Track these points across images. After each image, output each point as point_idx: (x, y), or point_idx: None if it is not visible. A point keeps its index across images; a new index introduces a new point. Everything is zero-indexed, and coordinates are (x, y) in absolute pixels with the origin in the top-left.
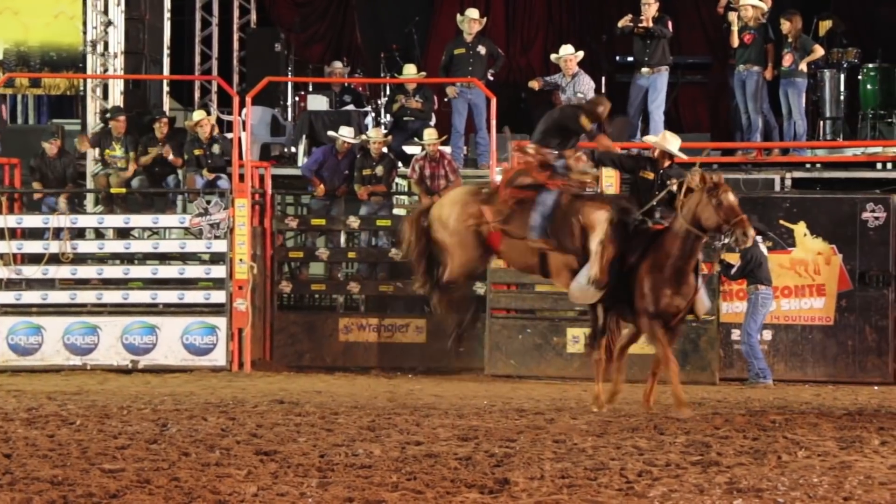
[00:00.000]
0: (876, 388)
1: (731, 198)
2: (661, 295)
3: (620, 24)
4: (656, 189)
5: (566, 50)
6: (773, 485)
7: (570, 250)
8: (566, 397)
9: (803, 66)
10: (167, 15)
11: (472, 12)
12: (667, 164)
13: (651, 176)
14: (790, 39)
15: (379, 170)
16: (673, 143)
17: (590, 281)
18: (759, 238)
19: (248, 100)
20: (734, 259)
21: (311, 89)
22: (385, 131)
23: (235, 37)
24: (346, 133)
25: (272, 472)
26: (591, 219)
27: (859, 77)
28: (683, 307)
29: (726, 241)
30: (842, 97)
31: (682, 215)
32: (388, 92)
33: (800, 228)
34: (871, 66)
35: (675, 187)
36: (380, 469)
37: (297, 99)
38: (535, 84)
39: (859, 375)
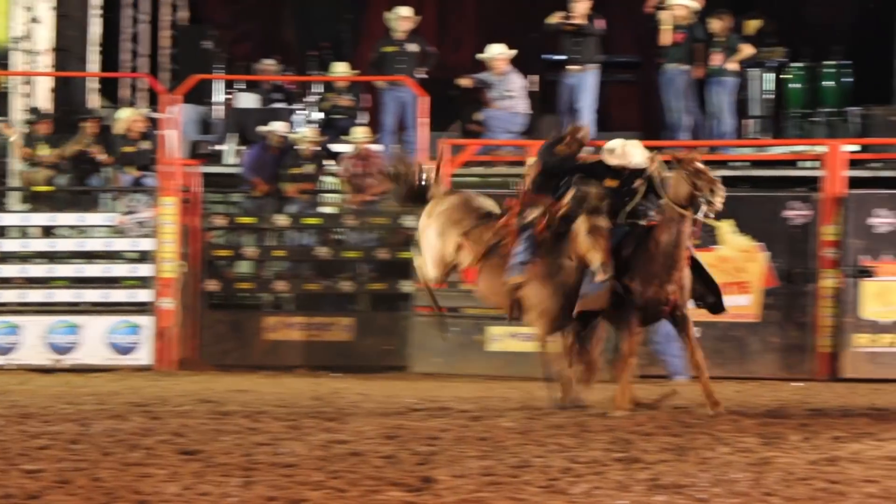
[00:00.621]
0: (798, 384)
1: (699, 165)
2: (650, 284)
3: (551, 20)
4: (626, 196)
5: (495, 49)
6: (695, 481)
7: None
8: (492, 395)
9: (732, 66)
10: (97, 11)
11: (403, 10)
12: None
13: (615, 183)
14: (719, 38)
15: (309, 168)
16: (633, 155)
17: (597, 271)
18: None
19: (177, 98)
20: None
21: (241, 87)
22: (318, 129)
23: (166, 34)
24: (279, 127)
25: (195, 471)
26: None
27: (785, 76)
28: (674, 296)
29: (704, 208)
30: (768, 96)
31: (666, 199)
32: (318, 90)
33: (725, 226)
34: (796, 65)
35: (642, 187)
36: (304, 468)
37: (227, 97)
38: (465, 82)
39: (782, 372)
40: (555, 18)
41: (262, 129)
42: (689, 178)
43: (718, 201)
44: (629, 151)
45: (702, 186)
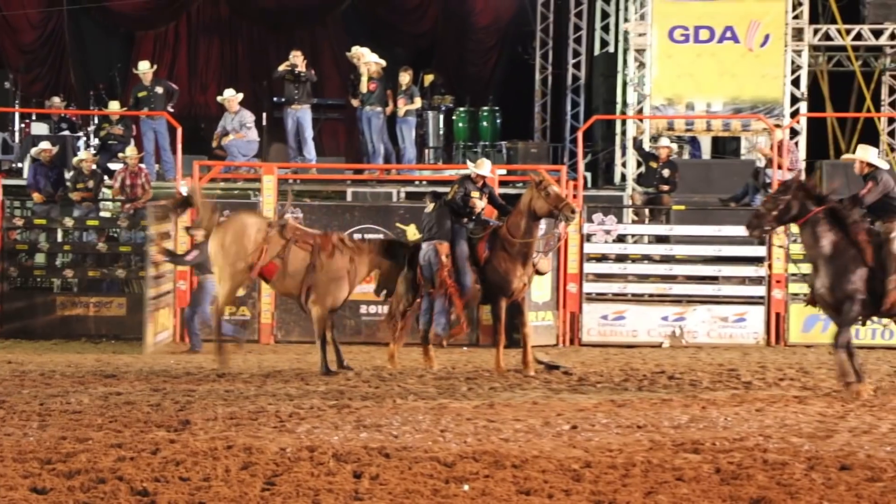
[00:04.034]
0: (465, 349)
1: (556, 188)
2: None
3: (280, 68)
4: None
5: (228, 93)
6: (390, 422)
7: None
8: (234, 358)
9: (413, 108)
10: None
11: (143, 65)
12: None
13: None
14: (404, 88)
15: (90, 184)
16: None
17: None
18: None
19: None
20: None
21: (34, 118)
22: (94, 152)
23: None
24: (46, 146)
25: (0, 417)
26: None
27: (453, 118)
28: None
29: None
30: (441, 132)
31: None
32: (96, 121)
33: (411, 229)
34: (461, 109)
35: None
36: (88, 413)
37: (23, 126)
38: (216, 144)
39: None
40: (282, 66)
41: (34, 149)
42: (548, 199)
43: (575, 219)
44: (485, 163)
45: (562, 207)
